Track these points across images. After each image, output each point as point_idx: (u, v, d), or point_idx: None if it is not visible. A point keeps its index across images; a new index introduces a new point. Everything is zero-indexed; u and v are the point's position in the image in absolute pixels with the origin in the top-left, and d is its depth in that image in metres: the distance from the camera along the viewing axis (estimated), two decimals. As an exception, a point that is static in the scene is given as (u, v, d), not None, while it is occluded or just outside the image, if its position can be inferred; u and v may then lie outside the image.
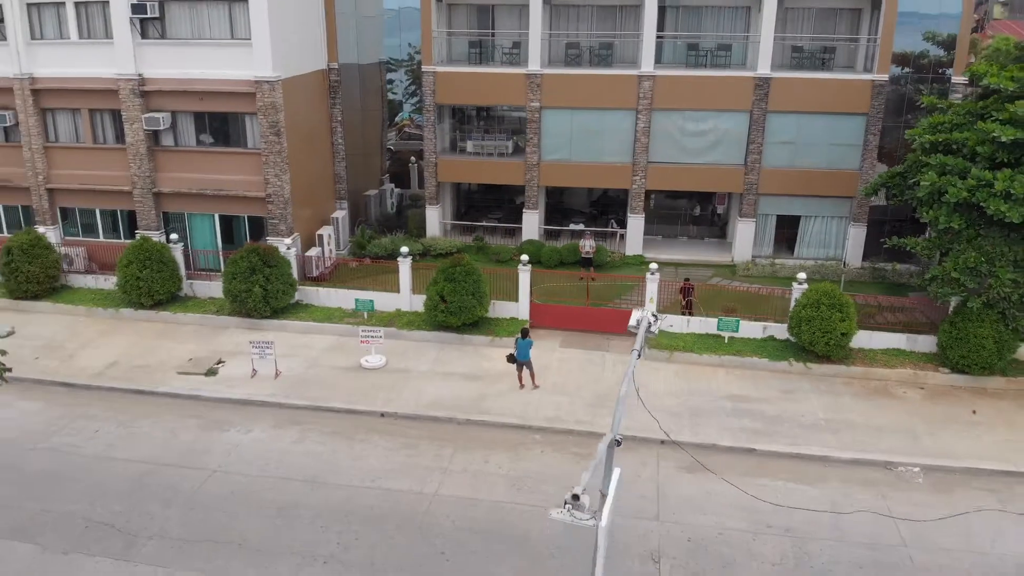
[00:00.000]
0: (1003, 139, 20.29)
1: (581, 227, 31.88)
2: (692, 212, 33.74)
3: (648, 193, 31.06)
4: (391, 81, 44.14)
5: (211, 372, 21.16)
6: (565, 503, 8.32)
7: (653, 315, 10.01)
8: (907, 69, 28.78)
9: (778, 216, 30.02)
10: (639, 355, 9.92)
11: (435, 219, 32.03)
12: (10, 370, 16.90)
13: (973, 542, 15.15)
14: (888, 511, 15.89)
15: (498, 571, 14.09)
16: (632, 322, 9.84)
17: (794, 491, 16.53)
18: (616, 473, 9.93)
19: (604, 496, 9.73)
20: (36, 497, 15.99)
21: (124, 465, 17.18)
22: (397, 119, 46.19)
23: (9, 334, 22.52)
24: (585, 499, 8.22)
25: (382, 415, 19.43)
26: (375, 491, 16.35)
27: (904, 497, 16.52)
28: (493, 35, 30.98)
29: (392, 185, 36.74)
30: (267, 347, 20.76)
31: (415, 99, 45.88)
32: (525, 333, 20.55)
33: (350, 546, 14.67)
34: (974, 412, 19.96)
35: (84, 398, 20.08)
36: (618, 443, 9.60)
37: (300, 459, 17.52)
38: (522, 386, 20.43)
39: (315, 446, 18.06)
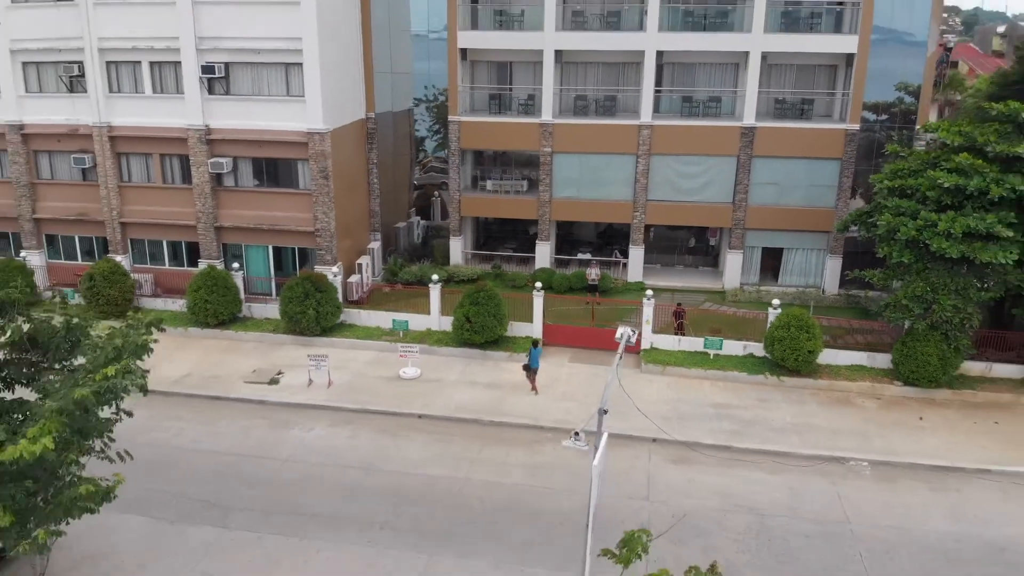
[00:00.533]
0: (946, 185, 24.00)
1: (588, 256, 35.63)
2: (687, 243, 37.38)
3: (647, 227, 34.76)
4: (415, 119, 48.15)
5: (273, 381, 24.89)
6: (571, 436, 11.98)
7: (632, 330, 13.74)
8: (883, 116, 32.58)
9: (763, 248, 33.70)
10: (620, 357, 13.61)
11: (458, 249, 35.88)
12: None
13: (904, 521, 18.61)
14: (837, 495, 19.43)
15: (518, 535, 17.64)
16: (617, 335, 13.61)
17: (760, 480, 20.07)
18: (603, 444, 13.51)
19: (596, 439, 13.32)
20: (142, 480, 19.60)
21: (210, 456, 20.89)
22: (420, 156, 50.17)
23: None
24: (583, 436, 11.86)
25: (419, 417, 23.09)
26: (418, 476, 19.98)
27: (852, 485, 20.00)
28: (511, 89, 34.94)
29: (418, 218, 40.63)
30: (322, 360, 24.50)
31: (438, 136, 49.85)
32: (536, 343, 24.25)
33: (401, 516, 18.27)
34: (920, 419, 23.45)
35: (168, 402, 23.78)
36: (605, 412, 13.19)
37: (354, 451, 21.19)
38: (536, 391, 24.10)
39: (366, 441, 21.73)
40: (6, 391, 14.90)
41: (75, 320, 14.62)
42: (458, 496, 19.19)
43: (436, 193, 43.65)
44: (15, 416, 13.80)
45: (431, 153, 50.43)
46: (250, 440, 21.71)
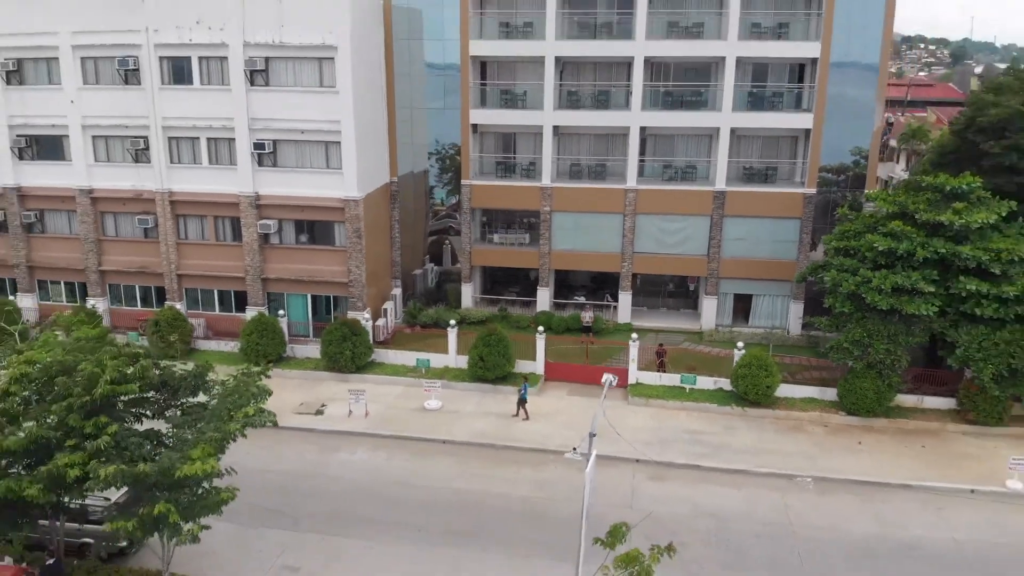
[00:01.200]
0: (881, 248, 28.95)
1: (582, 300, 40.38)
2: (667, 288, 42.09)
3: (634, 275, 39.61)
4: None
5: (319, 412, 29.48)
6: (572, 450, 16.67)
7: (614, 377, 18.58)
8: (839, 176, 37.61)
9: (735, 294, 38.54)
10: (604, 395, 18.36)
11: (468, 293, 40.66)
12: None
13: (836, 525, 23.24)
14: (784, 505, 24.08)
15: (527, 534, 22.21)
16: (603, 379, 18.48)
17: (723, 492, 24.71)
18: (593, 457, 18.15)
19: (587, 453, 17.96)
20: (221, 493, 24.17)
21: (275, 475, 25.40)
22: (432, 206, 54.83)
23: None
24: (581, 451, 16.50)
25: (443, 442, 27.69)
26: (445, 490, 24.55)
27: (797, 497, 24.64)
28: (515, 156, 39.97)
29: (432, 264, 45.39)
30: (361, 394, 29.12)
31: (448, 185, 54.13)
32: (526, 379, 29.29)
33: (433, 521, 22.82)
34: (859, 443, 28.13)
35: (232, 430, 28.34)
36: (593, 435, 17.86)
37: (392, 470, 25.76)
38: (527, 418, 28.78)
39: (400, 462, 26.31)
40: (137, 423, 19.47)
41: (198, 367, 19.26)
42: (478, 505, 23.77)
43: (447, 240, 48.48)
44: (152, 442, 18.30)
45: (441, 200, 54.85)
46: (305, 461, 26.26)
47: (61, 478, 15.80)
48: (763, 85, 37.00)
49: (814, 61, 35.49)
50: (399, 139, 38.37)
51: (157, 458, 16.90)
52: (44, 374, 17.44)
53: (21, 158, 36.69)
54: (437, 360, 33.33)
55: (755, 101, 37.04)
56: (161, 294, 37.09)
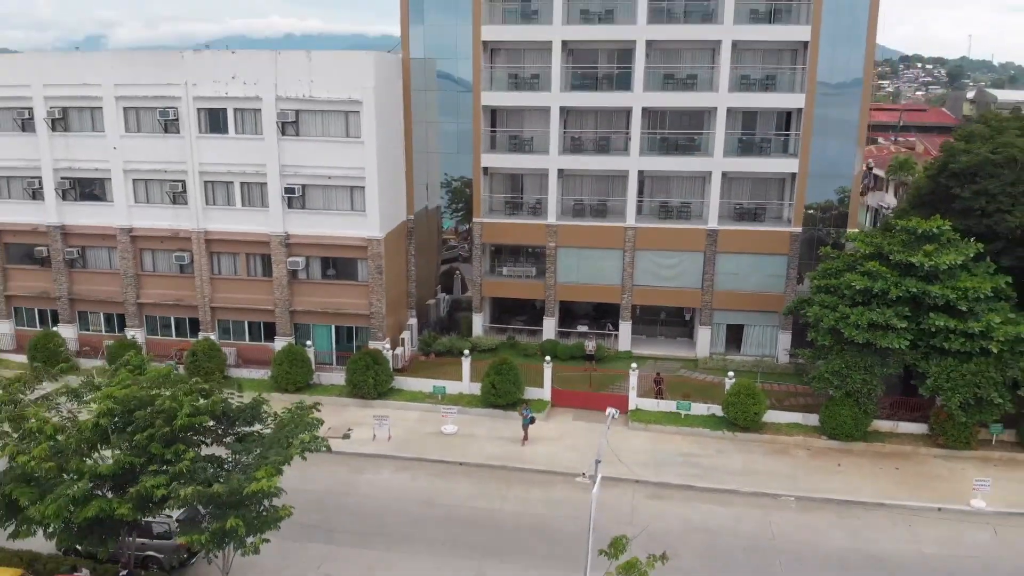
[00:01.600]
0: (858, 287, 31.83)
1: (585, 329, 43.24)
2: (664, 318, 44.88)
3: (634, 306, 42.46)
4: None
5: (346, 436, 31.99)
6: (581, 475, 19.45)
7: (615, 412, 21.40)
8: (824, 214, 40.54)
9: (727, 324, 41.37)
10: (608, 427, 21.16)
11: (479, 322, 43.50)
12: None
13: (814, 539, 25.94)
14: (768, 521, 26.81)
15: (539, 548, 24.90)
16: (607, 412, 21.29)
17: (713, 510, 27.44)
18: (599, 480, 20.93)
19: (594, 478, 20.73)
20: (262, 511, 26.89)
21: (311, 494, 28.00)
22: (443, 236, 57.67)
23: None
24: (589, 476, 19.27)
25: (460, 464, 30.42)
26: (465, 507, 27.27)
27: (780, 514, 27.34)
28: (522, 196, 42.95)
29: (444, 294, 48.27)
30: (384, 419, 31.87)
31: (458, 215, 56.72)
32: (527, 405, 32.10)
33: (455, 535, 25.50)
34: (839, 465, 30.87)
35: (267, 453, 31.07)
36: (598, 461, 20.64)
37: (416, 490, 28.47)
38: (527, 439, 31.48)
39: (423, 482, 29.03)
40: (198, 449, 22.23)
41: (254, 400, 22.06)
42: (495, 521, 26.49)
43: (457, 270, 51.39)
44: (214, 465, 21.04)
45: (451, 227, 57.50)
46: (336, 481, 28.97)
47: (148, 498, 18.56)
48: (752, 132, 40.04)
49: (799, 111, 38.56)
50: (416, 180, 41.38)
51: (220, 480, 19.71)
52: (124, 407, 20.24)
53: (64, 199, 39.60)
54: (452, 387, 36.09)
55: (745, 147, 40.05)
56: (195, 325, 39.89)
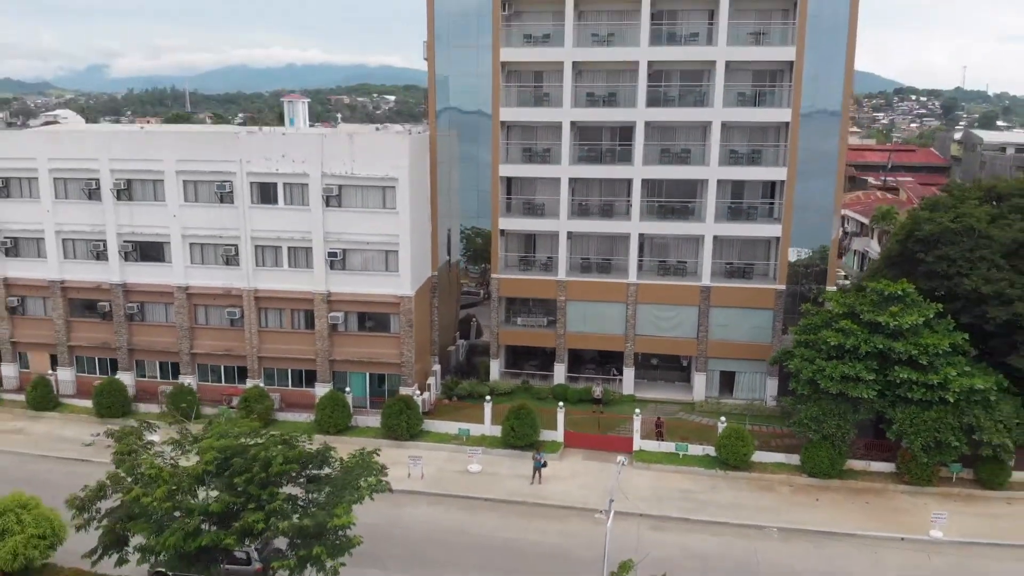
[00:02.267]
0: (832, 342, 36.54)
1: (593, 375, 47.84)
2: (664, 364, 49.55)
3: (636, 353, 47.09)
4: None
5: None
6: (599, 513, 23.96)
7: (624, 460, 25.97)
8: (808, 269, 45.40)
9: (721, 371, 45.99)
10: (619, 472, 25.72)
11: (496, 368, 48.11)
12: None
13: (794, 564, 30.38)
14: (754, 549, 31.26)
15: (560, 571, 29.35)
16: (617, 460, 25.87)
17: (707, 539, 31.89)
18: (611, 512, 25.45)
19: (608, 514, 25.26)
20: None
21: (360, 526, 32.21)
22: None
23: None
24: (605, 514, 23.82)
25: (486, 500, 34.88)
26: (494, 538, 31.67)
27: (764, 543, 31.69)
28: (535, 254, 47.82)
29: (462, 340, 52.93)
30: (418, 459, 36.32)
31: (473, 264, 61.41)
32: (538, 449, 36.54)
33: (486, 561, 29.92)
34: (817, 500, 35.34)
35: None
36: (612, 501, 25.17)
37: (449, 522, 32.88)
38: (537, 482, 35.80)
39: (455, 516, 33.45)
40: (264, 492, 26.63)
41: (323, 447, 26.58)
42: (519, 550, 30.86)
43: (473, 317, 56.14)
44: (292, 503, 25.47)
45: (464, 268, 62.01)
46: (380, 515, 33.15)
47: (249, 531, 23.06)
48: (740, 201, 45.00)
49: (782, 182, 43.54)
50: (440, 240, 46.28)
51: (297, 516, 24.24)
52: (224, 456, 24.80)
53: (126, 259, 44.31)
54: (475, 429, 40.56)
55: (734, 213, 44.99)
56: (242, 372, 44.47)
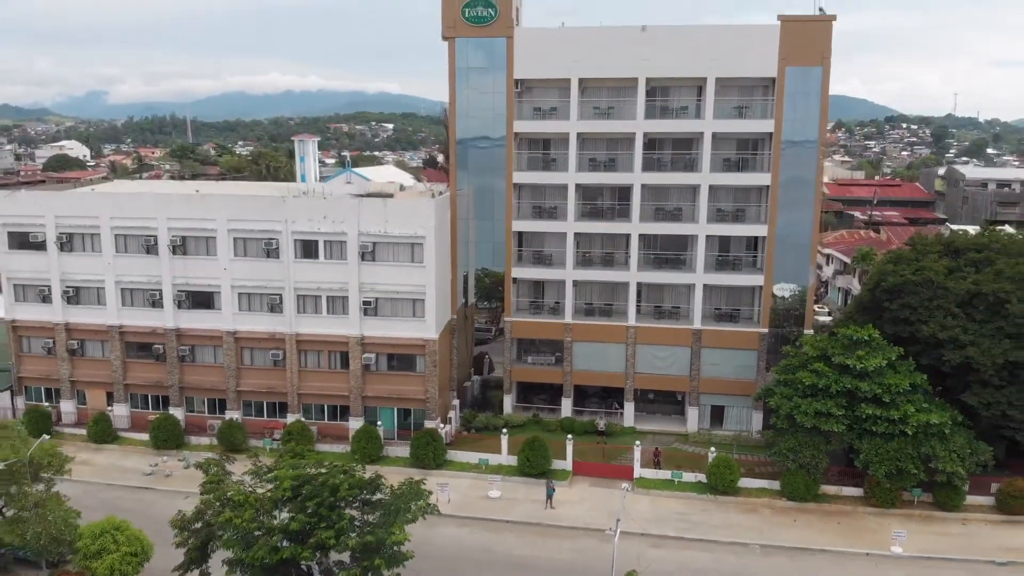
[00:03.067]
0: (807, 382, 41.94)
1: (596, 408, 53.10)
2: (651, 398, 54.65)
3: (635, 389, 52.38)
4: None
5: (416, 499, 41.70)
6: (609, 530, 29.19)
7: (628, 485, 31.22)
8: (790, 312, 50.85)
9: (712, 405, 51.30)
10: (624, 497, 30.96)
11: (508, 402, 53.34)
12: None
13: (774, 574, 35.59)
14: (741, 564, 36.42)
15: (573, 584, 34.50)
16: (622, 486, 31.13)
17: (699, 555, 37.06)
18: (618, 530, 30.63)
19: (615, 532, 30.45)
20: (363, 557, 36.31)
21: (396, 544, 37.57)
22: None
23: None
24: (613, 532, 29.03)
25: (506, 521, 39.97)
26: (514, 555, 36.62)
27: (748, 558, 36.65)
28: (543, 299, 53.27)
29: (477, 377, 58.17)
30: (446, 486, 41.40)
31: (485, 303, 66.74)
32: (549, 479, 41.69)
33: (510, 574, 35.09)
34: (795, 520, 40.50)
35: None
36: (619, 520, 30.37)
37: (475, 542, 37.89)
38: (550, 507, 40.91)
39: (480, 536, 38.49)
40: (332, 513, 31.76)
41: (375, 476, 31.70)
42: (536, 565, 35.82)
43: (486, 354, 61.42)
44: (350, 523, 30.56)
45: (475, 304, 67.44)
46: (416, 536, 37.60)
47: (322, 546, 28.21)
48: (727, 253, 50.55)
49: (764, 237, 49.18)
50: (459, 284, 51.81)
51: (355, 535, 29.40)
52: (296, 482, 29.99)
53: (179, 307, 49.58)
54: (493, 459, 45.62)
55: (721, 264, 50.51)
56: (283, 407, 49.62)
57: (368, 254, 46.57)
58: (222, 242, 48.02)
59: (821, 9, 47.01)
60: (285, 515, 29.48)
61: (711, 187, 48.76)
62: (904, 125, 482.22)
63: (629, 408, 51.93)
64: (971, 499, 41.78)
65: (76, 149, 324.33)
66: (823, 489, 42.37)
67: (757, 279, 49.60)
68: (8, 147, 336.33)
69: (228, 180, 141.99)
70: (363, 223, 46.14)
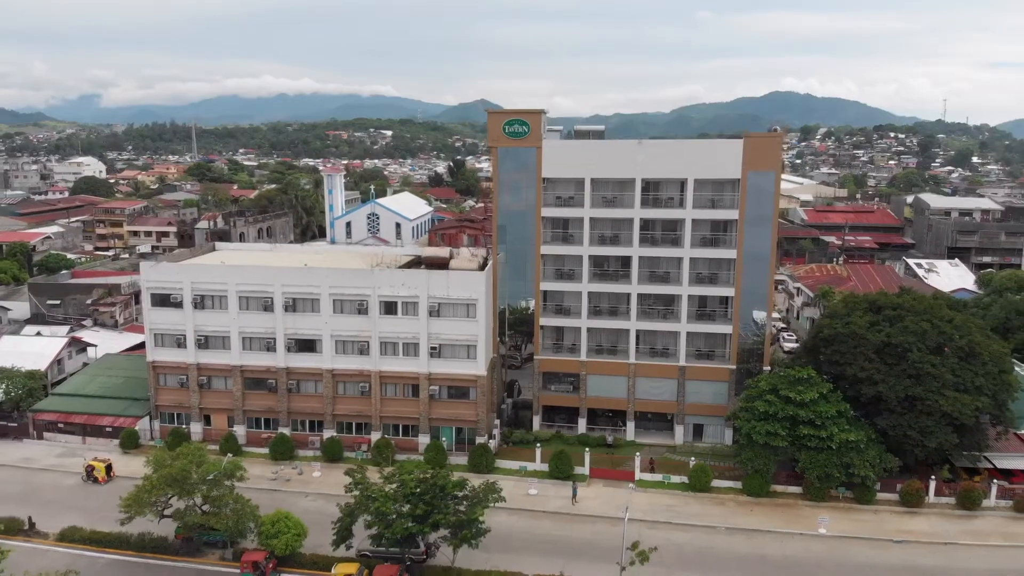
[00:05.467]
0: (760, 409, 57.40)
1: (605, 426, 68.31)
2: (648, 418, 70.00)
3: (635, 411, 67.67)
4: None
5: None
6: (621, 515, 44.50)
7: (633, 484, 46.54)
8: (753, 349, 66.22)
9: (694, 423, 66.39)
10: (631, 493, 46.26)
11: (537, 421, 68.56)
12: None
13: (736, 548, 50.50)
14: (712, 540, 51.89)
15: (591, 555, 48.94)
16: (629, 486, 46.48)
17: (683, 534, 52.35)
18: (627, 517, 45.96)
19: (624, 518, 45.71)
20: (445, 537, 51.65)
21: (467, 527, 52.92)
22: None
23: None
24: (623, 520, 44.35)
25: (543, 511, 55.05)
26: (550, 535, 50.53)
27: (719, 537, 51.00)
28: (563, 341, 68.21)
29: (510, 400, 73.34)
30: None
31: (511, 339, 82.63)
32: (574, 481, 56.99)
33: (549, 549, 49.75)
34: (751, 510, 55.57)
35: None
36: (626, 510, 45.65)
37: (520, 526, 52.06)
38: (575, 502, 56.17)
39: (523, 521, 52.86)
40: (440, 503, 46.77)
41: (459, 479, 46.83)
42: (566, 542, 49.85)
43: (516, 381, 76.76)
44: (434, 516, 45.70)
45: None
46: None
47: (436, 525, 43.47)
48: (704, 308, 65.57)
49: (731, 296, 64.58)
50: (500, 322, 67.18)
51: (452, 516, 44.76)
52: (415, 482, 45.19)
53: (288, 351, 64.57)
54: (530, 466, 60.76)
55: (700, 315, 65.40)
56: (367, 426, 64.79)
57: (434, 311, 61.62)
58: (324, 302, 62.94)
59: (774, 128, 62.47)
60: (406, 505, 44.79)
61: (692, 258, 63.92)
62: (892, 134, 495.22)
63: (631, 426, 67.19)
64: (881, 495, 56.34)
65: (92, 165, 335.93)
66: (773, 488, 57.36)
67: (727, 328, 64.84)
68: (32, 165, 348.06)
69: (268, 215, 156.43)
70: (431, 289, 61.31)
